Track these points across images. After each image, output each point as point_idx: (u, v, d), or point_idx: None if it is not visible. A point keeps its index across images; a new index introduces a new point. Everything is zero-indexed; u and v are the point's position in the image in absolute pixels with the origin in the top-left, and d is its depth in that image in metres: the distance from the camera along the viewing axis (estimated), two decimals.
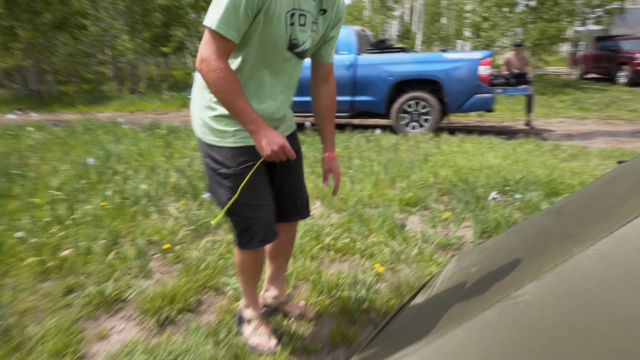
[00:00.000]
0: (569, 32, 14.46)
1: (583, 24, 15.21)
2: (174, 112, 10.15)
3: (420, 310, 1.44)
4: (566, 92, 11.19)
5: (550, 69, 16.99)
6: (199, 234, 2.78)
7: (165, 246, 2.56)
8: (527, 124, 7.15)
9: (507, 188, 3.40)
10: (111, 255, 2.41)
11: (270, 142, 1.31)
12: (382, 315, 1.89)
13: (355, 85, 6.41)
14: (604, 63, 13.53)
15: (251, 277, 1.69)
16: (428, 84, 6.18)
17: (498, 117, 8.46)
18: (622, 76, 12.48)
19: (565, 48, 21.10)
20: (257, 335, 1.73)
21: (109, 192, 3.43)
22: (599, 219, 1.01)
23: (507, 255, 1.24)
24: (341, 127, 6.70)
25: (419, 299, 1.57)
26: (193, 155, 4.79)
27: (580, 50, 15.58)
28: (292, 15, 1.32)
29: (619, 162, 1.37)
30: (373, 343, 1.41)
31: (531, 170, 3.78)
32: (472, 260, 1.52)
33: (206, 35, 1.28)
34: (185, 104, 10.80)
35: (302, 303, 1.98)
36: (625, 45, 12.73)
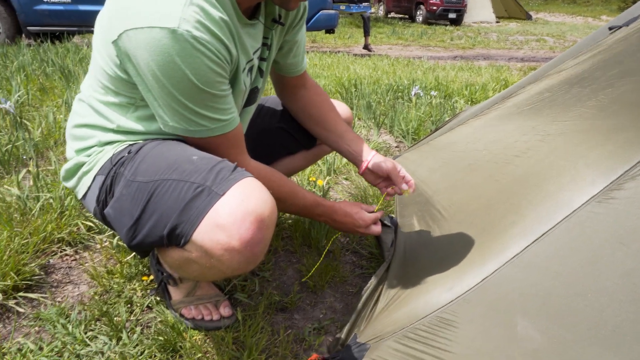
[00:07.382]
0: None
1: None
2: None
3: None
4: (379, 26, 11.80)
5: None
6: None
7: None
8: (366, 47, 7.13)
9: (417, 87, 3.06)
10: None
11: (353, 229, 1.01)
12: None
13: None
14: (404, 3, 14.77)
15: None
16: None
17: (331, 44, 8.28)
18: (420, 15, 13.87)
19: None
20: (195, 303, 0.95)
21: None
22: None
23: None
24: None
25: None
26: None
27: None
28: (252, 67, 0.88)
29: (610, 29, 1.13)
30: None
31: (416, 77, 3.56)
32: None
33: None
34: None
35: None
36: None
